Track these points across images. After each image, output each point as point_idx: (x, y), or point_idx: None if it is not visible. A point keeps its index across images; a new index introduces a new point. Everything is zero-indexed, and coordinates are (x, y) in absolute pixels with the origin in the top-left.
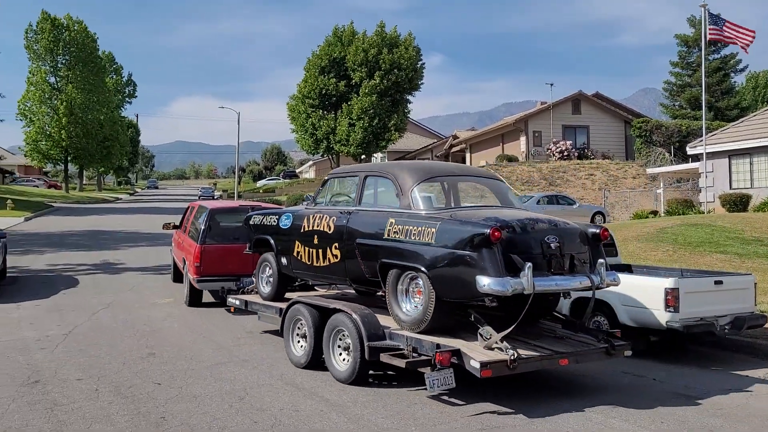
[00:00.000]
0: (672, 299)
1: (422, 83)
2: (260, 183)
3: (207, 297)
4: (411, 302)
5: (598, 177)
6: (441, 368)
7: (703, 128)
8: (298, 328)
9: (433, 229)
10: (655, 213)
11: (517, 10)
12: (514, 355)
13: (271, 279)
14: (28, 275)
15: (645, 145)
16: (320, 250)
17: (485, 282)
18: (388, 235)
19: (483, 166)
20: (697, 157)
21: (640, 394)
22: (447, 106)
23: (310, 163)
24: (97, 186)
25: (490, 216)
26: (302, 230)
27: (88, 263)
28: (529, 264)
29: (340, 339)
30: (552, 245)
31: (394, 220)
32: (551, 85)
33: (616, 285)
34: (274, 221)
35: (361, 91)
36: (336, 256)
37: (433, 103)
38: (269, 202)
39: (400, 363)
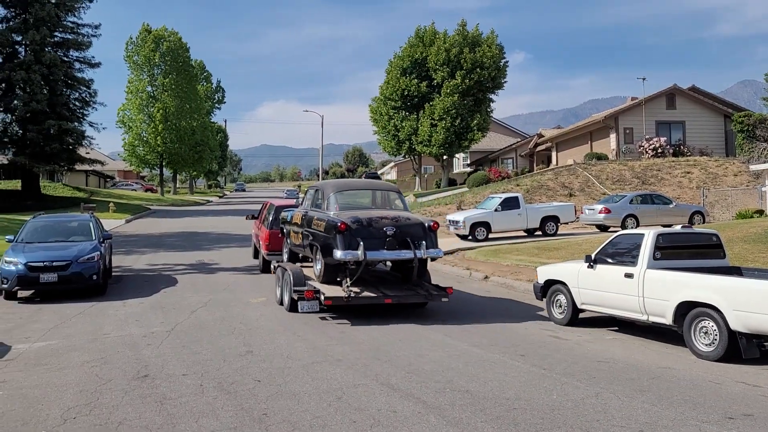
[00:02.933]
0: None
1: (505, 82)
2: None
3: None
4: (319, 265)
5: (695, 175)
6: (310, 300)
7: None
8: (278, 280)
9: (324, 223)
10: (760, 212)
11: (605, 3)
12: (350, 293)
13: (286, 252)
14: (131, 274)
15: (747, 141)
16: (297, 234)
17: (337, 253)
18: (313, 226)
19: (570, 165)
20: None
21: (757, 406)
22: (529, 105)
23: (392, 164)
24: (189, 189)
25: (354, 215)
26: (292, 221)
27: (184, 263)
28: (361, 243)
29: (288, 285)
30: (388, 232)
31: (317, 217)
32: (643, 79)
33: (440, 257)
34: (286, 216)
35: (443, 91)
36: (301, 238)
37: (515, 101)
38: None
39: (295, 296)
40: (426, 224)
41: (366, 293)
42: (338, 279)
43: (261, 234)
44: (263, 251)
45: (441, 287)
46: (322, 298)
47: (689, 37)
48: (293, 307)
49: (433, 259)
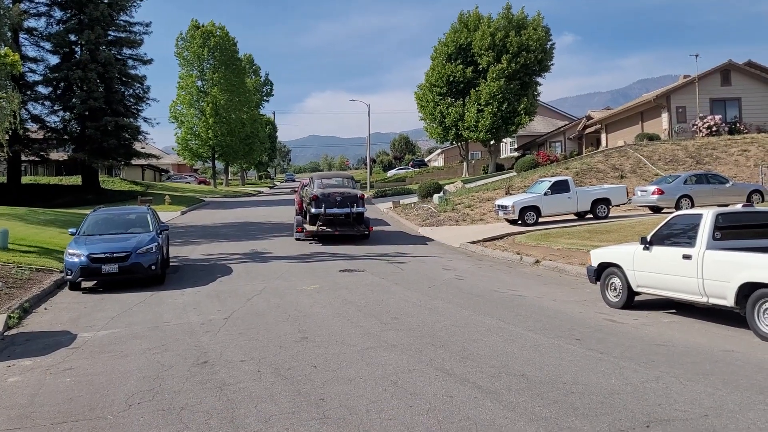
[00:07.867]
0: None
1: (552, 64)
2: (390, 173)
3: (351, 290)
4: (308, 215)
5: (752, 153)
6: (300, 233)
7: None
8: (294, 227)
9: (310, 195)
10: None
11: None
12: (319, 228)
13: (303, 211)
14: (188, 264)
15: None
16: (304, 201)
17: (312, 209)
18: (307, 197)
19: (621, 147)
20: None
21: None
22: (577, 87)
23: (438, 151)
24: (240, 180)
25: (322, 191)
26: (305, 195)
27: (239, 253)
28: (324, 203)
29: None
30: (338, 199)
31: (308, 192)
32: (696, 56)
33: (364, 212)
34: (302, 191)
35: (488, 76)
36: (306, 203)
37: (563, 84)
38: (401, 191)
39: (294, 231)
40: (358, 195)
41: (327, 229)
42: (318, 223)
43: (296, 201)
44: (297, 211)
45: (367, 227)
46: (305, 231)
47: (748, 12)
48: (296, 238)
49: (361, 214)
